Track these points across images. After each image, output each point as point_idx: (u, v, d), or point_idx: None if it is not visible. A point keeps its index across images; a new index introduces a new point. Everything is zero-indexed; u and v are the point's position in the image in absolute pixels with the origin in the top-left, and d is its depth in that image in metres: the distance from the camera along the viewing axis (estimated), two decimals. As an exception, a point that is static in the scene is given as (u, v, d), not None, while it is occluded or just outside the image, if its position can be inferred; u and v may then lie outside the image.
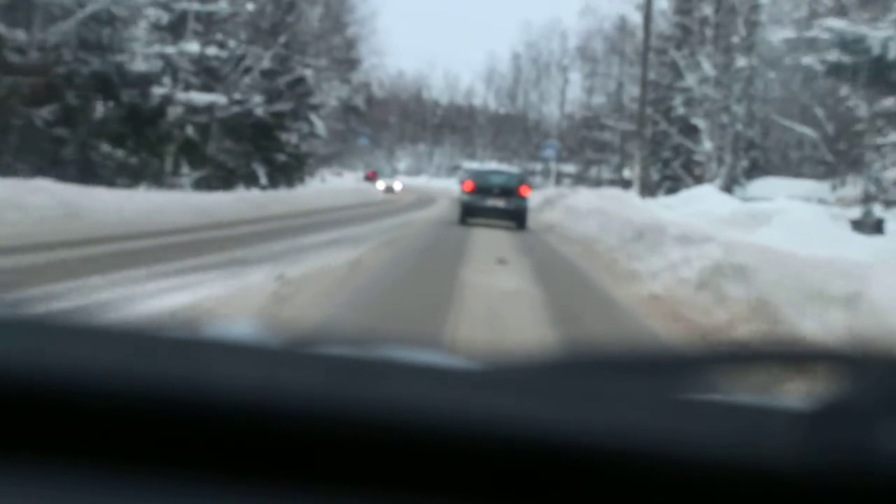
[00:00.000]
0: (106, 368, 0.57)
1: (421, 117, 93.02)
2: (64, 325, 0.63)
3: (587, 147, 67.03)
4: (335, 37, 43.02)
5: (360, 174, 64.69)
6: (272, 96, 30.96)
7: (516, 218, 20.12)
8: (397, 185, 53.99)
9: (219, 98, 24.99)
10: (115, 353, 0.58)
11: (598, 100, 69.03)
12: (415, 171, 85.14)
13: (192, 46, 24.46)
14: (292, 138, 32.49)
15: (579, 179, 67.91)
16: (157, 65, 23.49)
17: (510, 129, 76.76)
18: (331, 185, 39.13)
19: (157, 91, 22.68)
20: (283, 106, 31.42)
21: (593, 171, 67.40)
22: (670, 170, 43.30)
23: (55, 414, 0.57)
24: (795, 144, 44.41)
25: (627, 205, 22.95)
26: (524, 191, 20.77)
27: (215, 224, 16.09)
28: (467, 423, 0.55)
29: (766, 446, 0.53)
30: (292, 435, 0.56)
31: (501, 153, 76.85)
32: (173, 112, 23.39)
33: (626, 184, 54.61)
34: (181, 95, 23.87)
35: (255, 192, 25.24)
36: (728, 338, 6.83)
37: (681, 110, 42.30)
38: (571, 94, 76.06)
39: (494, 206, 20.15)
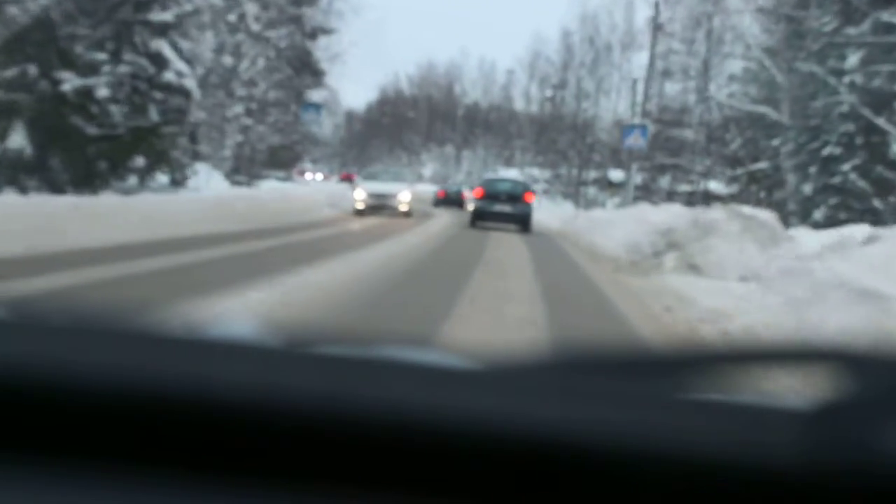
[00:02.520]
0: (105, 368, 0.58)
1: (451, 115, 76.23)
2: (64, 326, 0.63)
3: (657, 150, 49.10)
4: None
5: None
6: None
7: (521, 221, 21.38)
8: (403, 198, 23.83)
9: None
10: (115, 353, 0.59)
11: (673, 88, 50.81)
12: (441, 178, 68.10)
13: None
14: (98, 87, 15.46)
15: (646, 192, 50.77)
16: None
17: (558, 127, 58.81)
18: (233, 194, 20.80)
19: None
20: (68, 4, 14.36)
21: (663, 182, 49.57)
22: (839, 177, 25.14)
23: (55, 414, 0.58)
24: None
25: None
26: (528, 197, 22.12)
27: None
28: (467, 423, 0.55)
29: (766, 446, 0.54)
30: (292, 435, 0.56)
31: (546, 156, 59.34)
32: None
33: (709, 199, 36.70)
34: None
35: None
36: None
37: (858, 76, 24.39)
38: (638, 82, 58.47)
39: (502, 210, 21.46)
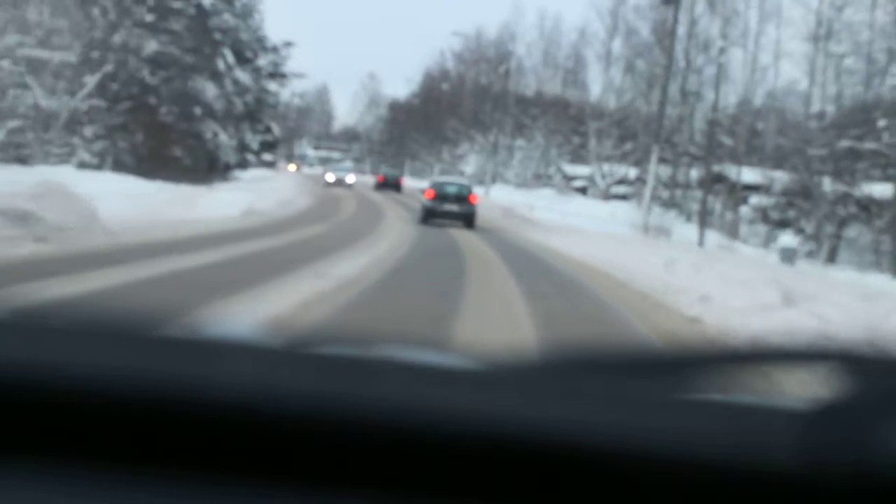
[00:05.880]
0: (107, 368, 0.58)
1: (503, 95, 58.24)
2: (65, 326, 0.63)
3: (837, 126, 31.19)
4: None
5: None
6: None
7: (466, 219, 24.73)
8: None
9: None
10: (116, 354, 0.59)
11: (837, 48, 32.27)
12: (483, 175, 50.20)
13: None
14: None
15: (805, 198, 32.86)
16: None
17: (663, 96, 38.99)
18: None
19: None
20: None
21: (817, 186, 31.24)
22: None
23: (55, 414, 0.58)
24: None
25: None
26: (473, 198, 25.50)
27: None
28: (467, 423, 0.55)
29: (766, 446, 0.54)
30: (293, 434, 0.56)
31: (632, 153, 41.25)
32: None
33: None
34: None
35: None
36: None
37: None
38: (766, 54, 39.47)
39: (450, 210, 24.97)
